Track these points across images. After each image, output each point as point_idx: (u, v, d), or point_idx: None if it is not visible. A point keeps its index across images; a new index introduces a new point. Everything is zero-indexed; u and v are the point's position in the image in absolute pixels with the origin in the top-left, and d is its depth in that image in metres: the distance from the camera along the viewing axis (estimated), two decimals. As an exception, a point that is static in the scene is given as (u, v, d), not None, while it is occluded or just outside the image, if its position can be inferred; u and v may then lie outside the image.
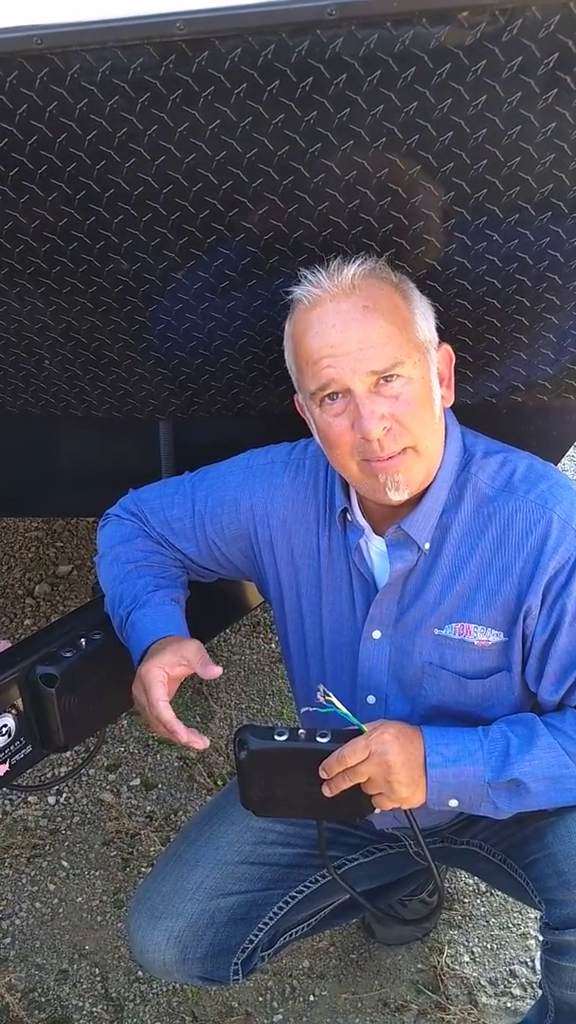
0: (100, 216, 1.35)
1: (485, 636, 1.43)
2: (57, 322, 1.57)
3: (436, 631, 1.45)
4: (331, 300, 1.31)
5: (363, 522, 1.49)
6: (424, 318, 1.37)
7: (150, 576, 1.62)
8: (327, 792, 1.35)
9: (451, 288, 1.43)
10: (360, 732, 1.35)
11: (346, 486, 1.49)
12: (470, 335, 1.51)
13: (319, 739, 1.35)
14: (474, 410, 1.65)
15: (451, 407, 1.48)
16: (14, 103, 1.21)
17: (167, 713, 1.41)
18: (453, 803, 1.38)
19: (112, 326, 1.57)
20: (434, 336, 1.39)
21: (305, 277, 1.34)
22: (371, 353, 1.29)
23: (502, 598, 1.41)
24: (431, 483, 1.41)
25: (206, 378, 1.69)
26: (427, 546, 1.44)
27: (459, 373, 1.59)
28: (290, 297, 1.37)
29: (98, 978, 2.06)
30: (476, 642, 1.43)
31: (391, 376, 1.30)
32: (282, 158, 1.24)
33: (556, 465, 1.77)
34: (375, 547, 1.49)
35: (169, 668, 1.43)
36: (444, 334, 1.49)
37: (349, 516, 1.49)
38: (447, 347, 1.42)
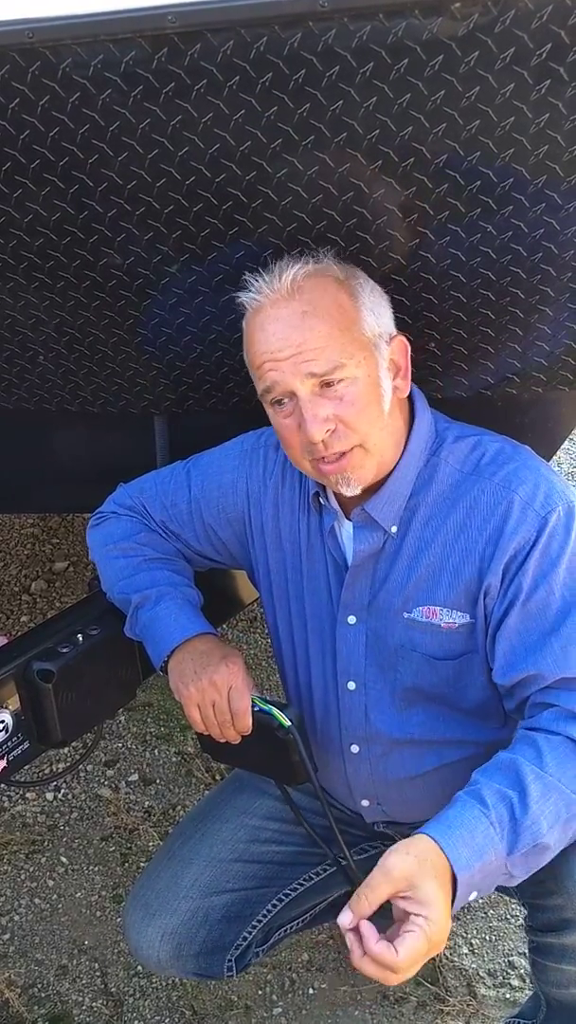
0: (93, 210, 1.35)
1: (451, 619, 1.43)
2: (51, 317, 1.57)
3: (405, 614, 1.46)
4: (271, 306, 1.32)
5: (335, 506, 1.49)
6: (372, 313, 1.35)
7: (165, 570, 1.62)
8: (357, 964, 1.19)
9: (446, 280, 1.42)
10: (283, 726, 1.42)
11: None
12: (464, 327, 1.51)
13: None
14: (469, 402, 1.65)
15: (447, 400, 1.48)
16: (6, 97, 1.20)
17: (248, 722, 1.44)
18: (472, 896, 1.20)
19: (106, 321, 1.57)
20: (386, 330, 1.38)
21: (248, 283, 1.35)
22: (311, 356, 1.29)
23: (465, 580, 1.41)
24: (395, 467, 1.42)
25: (201, 372, 1.69)
26: (394, 529, 1.44)
27: (454, 365, 1.60)
28: (237, 303, 1.38)
29: (97, 973, 2.06)
30: (443, 624, 1.44)
31: (332, 380, 1.31)
32: (275, 151, 1.23)
33: (552, 457, 1.78)
34: (347, 531, 1.49)
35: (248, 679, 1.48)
36: (438, 326, 1.49)
37: (322, 500, 1.50)
38: (402, 338, 1.41)
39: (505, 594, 1.38)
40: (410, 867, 1.15)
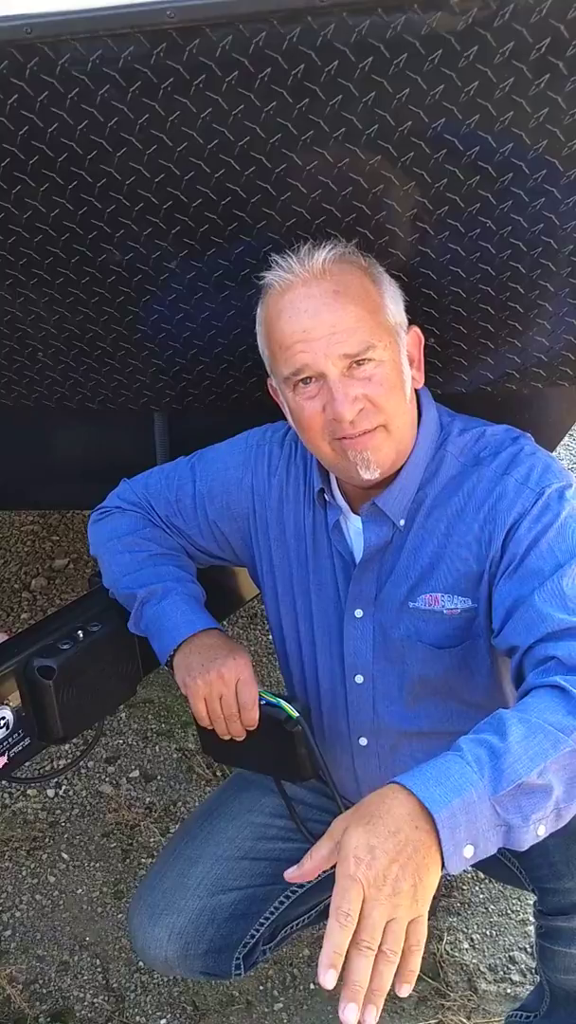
0: (92, 206, 1.35)
1: (453, 604, 1.44)
2: (50, 313, 1.57)
3: (410, 604, 1.46)
4: (302, 285, 1.32)
5: (341, 501, 1.50)
6: (393, 301, 1.38)
7: (170, 565, 1.62)
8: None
9: (445, 276, 1.42)
10: (291, 718, 1.43)
11: (323, 466, 1.50)
12: (464, 323, 1.51)
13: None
14: (469, 398, 1.65)
15: (447, 396, 1.48)
16: (4, 93, 1.20)
17: (256, 715, 1.44)
18: (468, 851, 1.07)
19: (105, 317, 1.56)
20: (403, 319, 1.40)
21: (276, 262, 1.35)
22: (343, 337, 1.30)
23: (464, 564, 1.41)
24: (406, 461, 1.42)
25: (200, 369, 1.68)
26: (402, 523, 1.45)
27: (454, 361, 1.60)
28: (262, 283, 1.38)
29: (99, 969, 2.07)
30: (445, 611, 1.44)
31: (363, 360, 1.31)
32: (274, 146, 1.23)
33: (552, 451, 1.77)
34: (353, 526, 1.50)
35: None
36: (438, 321, 1.49)
37: (327, 496, 1.50)
38: (416, 330, 1.43)
39: (501, 562, 1.38)
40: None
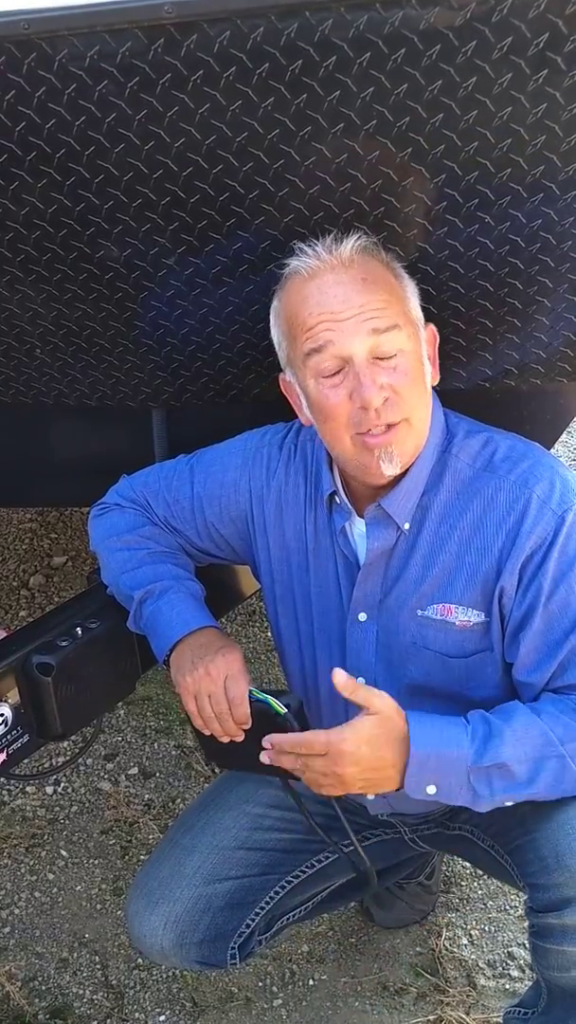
0: (90, 202, 1.35)
1: (466, 616, 1.43)
2: (48, 310, 1.57)
3: (419, 612, 1.46)
4: (331, 271, 1.32)
5: (348, 505, 1.49)
6: (414, 297, 1.39)
7: (168, 563, 1.62)
8: (265, 759, 1.41)
9: (443, 271, 1.42)
10: (279, 714, 1.42)
11: (332, 468, 1.49)
12: (463, 319, 1.51)
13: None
14: (468, 395, 1.65)
15: (445, 392, 1.48)
16: (2, 89, 1.20)
17: (246, 710, 1.43)
18: (431, 789, 1.34)
19: (103, 313, 1.56)
20: (421, 316, 1.40)
21: (301, 250, 1.35)
22: (373, 313, 1.30)
23: (481, 578, 1.41)
24: (411, 462, 1.42)
25: (199, 365, 1.68)
26: (407, 526, 1.44)
27: (452, 357, 1.59)
28: (284, 271, 1.37)
29: (98, 966, 2.07)
30: (457, 623, 1.44)
31: (388, 354, 1.31)
32: (272, 142, 1.23)
33: (550, 449, 1.77)
34: (358, 529, 1.49)
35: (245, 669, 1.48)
36: (436, 318, 1.49)
37: (337, 499, 1.50)
38: (432, 327, 1.43)
39: (524, 595, 1.38)
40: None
